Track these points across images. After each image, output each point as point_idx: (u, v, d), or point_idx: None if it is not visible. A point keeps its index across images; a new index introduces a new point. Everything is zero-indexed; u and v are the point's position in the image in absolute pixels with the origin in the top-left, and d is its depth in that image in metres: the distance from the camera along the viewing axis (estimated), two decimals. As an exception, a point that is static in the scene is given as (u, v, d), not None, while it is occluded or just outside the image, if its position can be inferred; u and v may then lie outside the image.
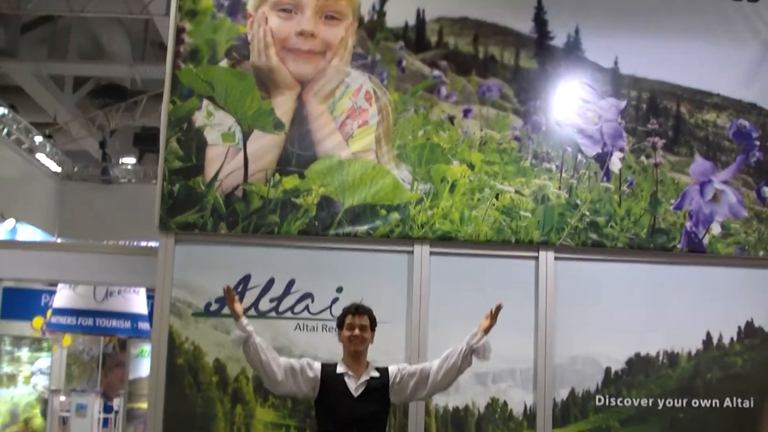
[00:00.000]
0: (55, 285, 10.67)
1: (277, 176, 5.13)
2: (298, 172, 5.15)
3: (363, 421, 3.22)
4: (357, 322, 3.33)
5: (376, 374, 3.34)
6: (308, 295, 5.11)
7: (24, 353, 10.61)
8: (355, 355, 3.33)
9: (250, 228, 5.10)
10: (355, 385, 3.26)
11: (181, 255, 5.10)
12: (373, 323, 3.43)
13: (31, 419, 10.37)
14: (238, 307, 3.31)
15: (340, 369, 3.32)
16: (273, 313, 5.10)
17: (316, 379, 3.27)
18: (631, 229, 5.26)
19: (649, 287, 5.32)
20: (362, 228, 5.13)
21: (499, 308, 3.51)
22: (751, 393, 5.30)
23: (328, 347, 4.70)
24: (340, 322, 3.41)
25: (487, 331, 3.46)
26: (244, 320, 3.26)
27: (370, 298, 5.05)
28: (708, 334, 5.33)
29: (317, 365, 3.34)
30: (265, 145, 5.13)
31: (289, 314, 5.10)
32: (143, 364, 10.65)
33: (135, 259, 5.73)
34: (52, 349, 11.01)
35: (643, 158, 5.38)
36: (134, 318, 10.19)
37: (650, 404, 5.24)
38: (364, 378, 3.29)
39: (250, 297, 5.10)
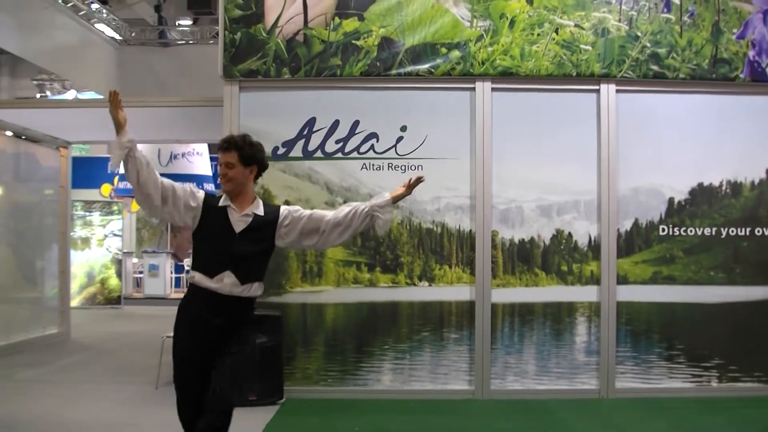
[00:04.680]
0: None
1: (337, 19, 5.17)
2: (357, 14, 5.18)
3: (241, 259, 2.88)
4: (222, 159, 2.93)
5: (261, 212, 2.98)
6: (373, 135, 5.21)
7: (96, 217, 11.00)
8: (229, 195, 2.96)
9: (313, 72, 5.17)
10: (236, 219, 2.93)
11: (246, 102, 5.20)
12: (246, 159, 2.94)
13: (107, 279, 10.83)
14: (122, 115, 2.80)
15: (223, 202, 2.95)
16: (339, 154, 5.21)
17: (198, 209, 2.92)
18: (693, 59, 5.22)
19: (712, 117, 5.31)
20: (423, 67, 5.16)
21: (419, 180, 3.16)
22: (814, 221, 5.32)
23: (395, 185, 4.73)
24: None
25: (397, 199, 3.14)
26: (127, 134, 2.80)
27: (433, 136, 5.21)
28: (771, 163, 5.34)
29: (201, 195, 2.98)
30: (323, -12, 5.15)
31: (355, 154, 5.20)
32: (212, 221, 10.89)
33: (200, 112, 5.78)
34: (122, 214, 11.30)
35: (703, -12, 5.30)
36: (199, 179, 10.35)
37: (713, 233, 5.29)
38: (248, 212, 2.95)
39: (316, 139, 5.21)
